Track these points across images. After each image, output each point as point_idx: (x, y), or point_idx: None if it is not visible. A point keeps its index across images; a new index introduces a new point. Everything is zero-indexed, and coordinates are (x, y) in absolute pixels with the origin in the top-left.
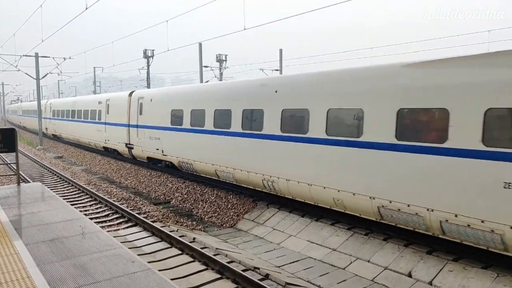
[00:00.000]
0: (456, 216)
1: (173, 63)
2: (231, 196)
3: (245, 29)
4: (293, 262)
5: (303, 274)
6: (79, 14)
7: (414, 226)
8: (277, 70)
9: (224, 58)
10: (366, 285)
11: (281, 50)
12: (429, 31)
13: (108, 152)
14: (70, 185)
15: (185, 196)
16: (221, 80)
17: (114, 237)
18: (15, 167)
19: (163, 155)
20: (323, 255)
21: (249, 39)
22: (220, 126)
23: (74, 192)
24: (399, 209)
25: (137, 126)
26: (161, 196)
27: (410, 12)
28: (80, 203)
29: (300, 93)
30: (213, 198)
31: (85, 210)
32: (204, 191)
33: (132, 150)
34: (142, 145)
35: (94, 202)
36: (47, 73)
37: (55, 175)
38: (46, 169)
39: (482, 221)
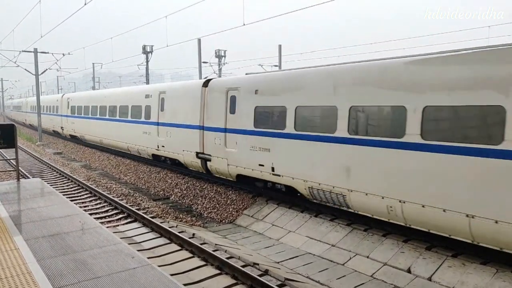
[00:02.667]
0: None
1: (172, 59)
2: (231, 192)
3: (244, 24)
4: (292, 257)
5: (302, 269)
6: (78, 9)
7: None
8: (276, 66)
9: (223, 54)
10: (365, 280)
11: (280, 46)
12: (430, 26)
13: (159, 162)
14: (69, 181)
15: (185, 192)
16: (220, 76)
17: (114, 232)
18: (14, 163)
19: (274, 174)
20: (322, 251)
21: (249, 34)
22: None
23: (74, 188)
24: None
25: (225, 130)
26: (161, 192)
27: (410, 8)
28: (79, 199)
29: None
30: (213, 194)
31: (85, 206)
32: (204, 187)
33: (208, 162)
34: (231, 157)
35: (94, 197)
36: (46, 69)
37: (55, 171)
38: (46, 165)
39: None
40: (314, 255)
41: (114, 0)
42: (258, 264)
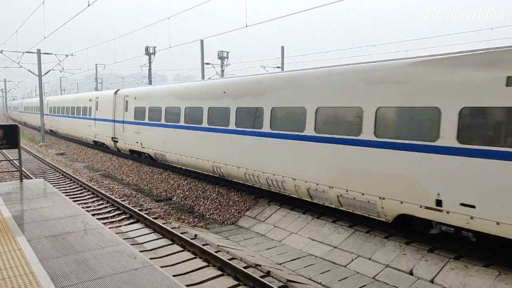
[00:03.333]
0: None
1: (175, 60)
2: (233, 193)
3: (246, 26)
4: (294, 259)
5: (304, 271)
6: (81, 11)
7: None
8: (278, 67)
9: (225, 55)
10: (367, 282)
11: (282, 47)
12: (430, 28)
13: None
14: (72, 181)
15: (187, 193)
16: (222, 76)
17: (116, 233)
18: (17, 164)
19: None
20: (324, 253)
21: (251, 36)
22: None
23: (76, 189)
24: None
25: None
26: (163, 193)
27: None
28: (82, 200)
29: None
30: (215, 195)
31: (87, 207)
32: (206, 188)
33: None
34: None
35: (96, 198)
36: (49, 70)
37: (57, 171)
38: (48, 166)
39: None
40: (316, 256)
41: (117, 2)
42: (260, 266)
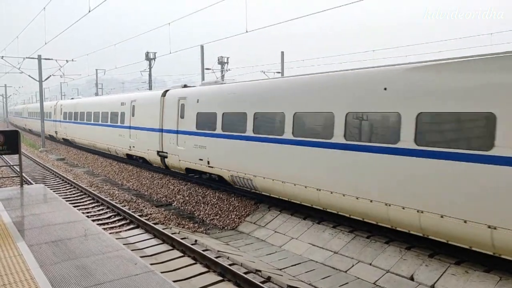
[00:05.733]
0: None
1: (175, 65)
2: (233, 198)
3: (247, 31)
4: (295, 264)
5: (304, 277)
6: (82, 17)
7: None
8: (278, 72)
9: (225, 61)
10: None
11: (282, 53)
12: (431, 32)
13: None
14: (72, 187)
15: (187, 198)
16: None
17: (117, 239)
18: (18, 169)
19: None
20: (325, 258)
21: (251, 41)
22: None
23: (76, 194)
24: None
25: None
26: (163, 198)
27: (413, 13)
28: (82, 205)
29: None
30: (215, 200)
31: (87, 212)
32: (206, 194)
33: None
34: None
35: (96, 204)
36: (50, 75)
37: (58, 177)
38: (49, 171)
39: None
40: (316, 262)
41: (118, 7)
42: (260, 271)
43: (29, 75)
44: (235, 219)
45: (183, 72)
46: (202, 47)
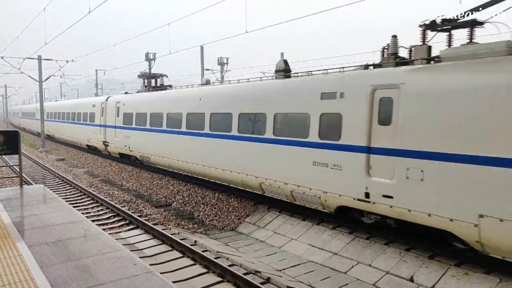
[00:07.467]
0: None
1: (174, 66)
2: (232, 199)
3: (246, 32)
4: (294, 265)
5: (304, 278)
6: (82, 17)
7: None
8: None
9: (225, 61)
10: None
11: (282, 54)
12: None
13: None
14: (72, 187)
15: (186, 199)
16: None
17: (116, 239)
18: (18, 169)
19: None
20: (324, 259)
21: (252, 41)
22: None
23: (76, 194)
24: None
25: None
26: (163, 199)
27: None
28: (82, 205)
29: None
30: (214, 201)
31: (87, 212)
32: (205, 194)
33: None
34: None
35: (96, 204)
36: (50, 76)
37: (57, 177)
38: (48, 171)
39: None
40: (316, 263)
41: (118, 8)
42: (260, 272)
43: (29, 76)
44: (235, 220)
45: (183, 72)
46: (202, 48)
